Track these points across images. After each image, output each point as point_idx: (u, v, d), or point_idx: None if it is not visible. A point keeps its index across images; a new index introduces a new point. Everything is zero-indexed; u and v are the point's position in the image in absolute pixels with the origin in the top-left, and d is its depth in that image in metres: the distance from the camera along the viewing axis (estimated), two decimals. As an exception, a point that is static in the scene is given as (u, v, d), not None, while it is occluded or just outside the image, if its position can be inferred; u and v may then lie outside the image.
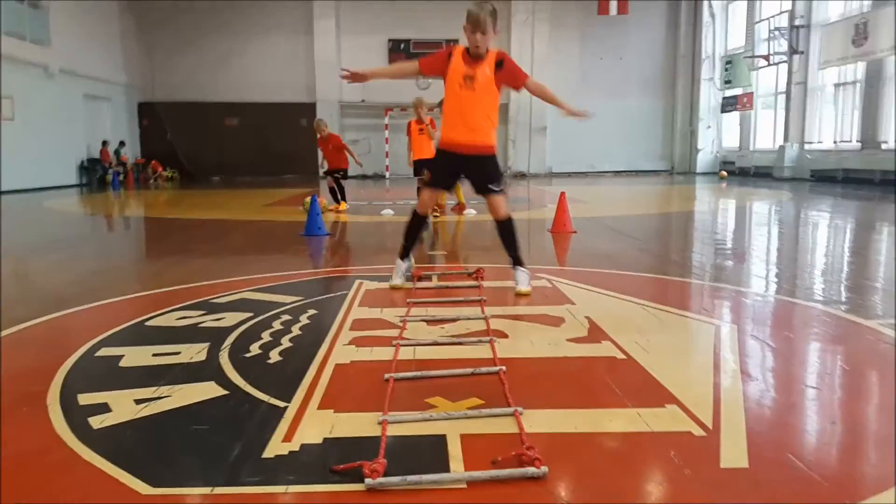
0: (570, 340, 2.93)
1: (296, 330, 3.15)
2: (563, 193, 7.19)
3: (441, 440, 1.92)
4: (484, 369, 2.49)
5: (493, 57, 3.74)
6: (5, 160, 16.01)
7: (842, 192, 14.15)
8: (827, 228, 8.09)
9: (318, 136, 10.09)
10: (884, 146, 15.70)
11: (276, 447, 1.90)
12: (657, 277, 4.50)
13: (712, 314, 3.49)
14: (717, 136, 24.59)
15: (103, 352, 2.84)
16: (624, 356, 2.69)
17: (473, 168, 3.87)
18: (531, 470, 1.69)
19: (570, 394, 2.31)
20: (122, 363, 2.69)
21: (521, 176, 24.72)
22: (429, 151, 8.23)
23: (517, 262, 3.92)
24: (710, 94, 24.23)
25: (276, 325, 3.23)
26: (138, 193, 17.08)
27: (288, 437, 1.96)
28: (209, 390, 2.36)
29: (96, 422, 2.09)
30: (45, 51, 17.88)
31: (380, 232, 7.75)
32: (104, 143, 20.85)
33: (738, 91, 22.14)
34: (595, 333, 3.03)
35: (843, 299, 3.85)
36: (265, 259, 5.62)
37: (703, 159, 24.83)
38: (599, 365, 2.61)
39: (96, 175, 20.36)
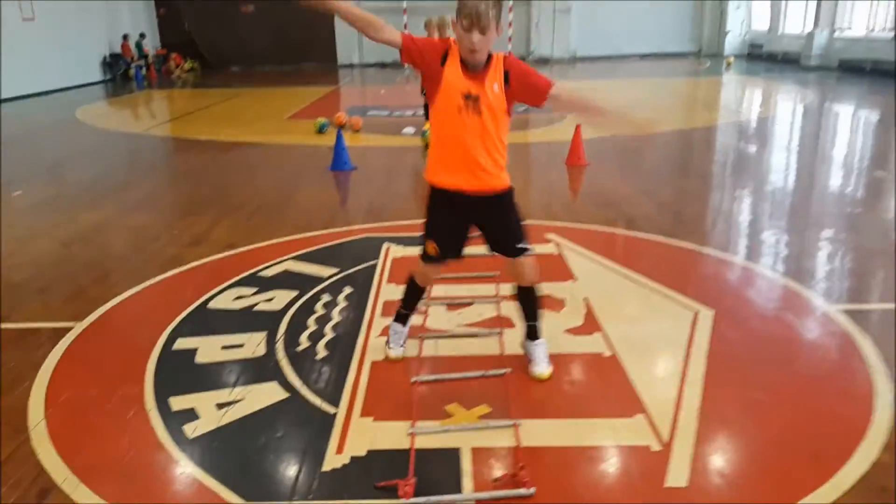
0: (567, 332, 3.46)
1: (335, 315, 3.71)
2: (578, 126, 7.48)
3: (456, 454, 2.51)
4: (492, 372, 3.06)
5: (498, 65, 2.70)
6: (30, 62, 16.27)
7: (868, 89, 14.05)
8: (842, 168, 8.31)
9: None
10: (916, 36, 15.30)
11: (331, 460, 2.50)
12: (660, 241, 4.86)
13: (697, 295, 3.88)
14: (747, 17, 23.78)
15: (179, 344, 3.44)
16: (609, 353, 3.23)
17: (487, 215, 2.89)
18: (522, 491, 2.28)
19: (560, 402, 2.86)
20: (198, 359, 3.29)
21: (544, 62, 24.32)
22: None
23: (535, 333, 3.12)
24: (741, -28, 23.21)
25: (319, 309, 3.79)
26: (162, 93, 17.34)
27: (339, 450, 2.56)
28: (274, 392, 2.95)
29: (190, 430, 2.70)
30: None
31: (401, 165, 8.03)
32: (125, 38, 20.85)
33: (771, -30, 21.20)
34: (589, 323, 3.55)
35: (845, 294, 3.99)
36: (299, 208, 6.09)
37: (732, 42, 24.19)
38: (589, 365, 3.15)
39: (119, 70, 20.53)
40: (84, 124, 12.12)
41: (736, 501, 2.25)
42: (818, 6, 18.63)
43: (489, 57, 2.70)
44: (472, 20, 2.54)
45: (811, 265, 4.50)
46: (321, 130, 9.66)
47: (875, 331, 3.44)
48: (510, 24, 23.66)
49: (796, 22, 20.69)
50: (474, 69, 2.68)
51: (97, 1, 19.73)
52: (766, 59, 21.87)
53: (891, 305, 3.80)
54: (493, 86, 2.69)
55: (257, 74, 22.00)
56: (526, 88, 2.74)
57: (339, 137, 7.54)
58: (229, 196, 6.53)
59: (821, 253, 4.76)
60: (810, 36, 18.72)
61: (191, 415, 2.82)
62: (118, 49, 20.73)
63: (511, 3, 23.78)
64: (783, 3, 21.39)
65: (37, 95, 16.21)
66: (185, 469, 2.48)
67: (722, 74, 18.76)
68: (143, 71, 20.79)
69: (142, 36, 21.92)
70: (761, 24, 23.27)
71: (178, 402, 2.91)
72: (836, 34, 18.23)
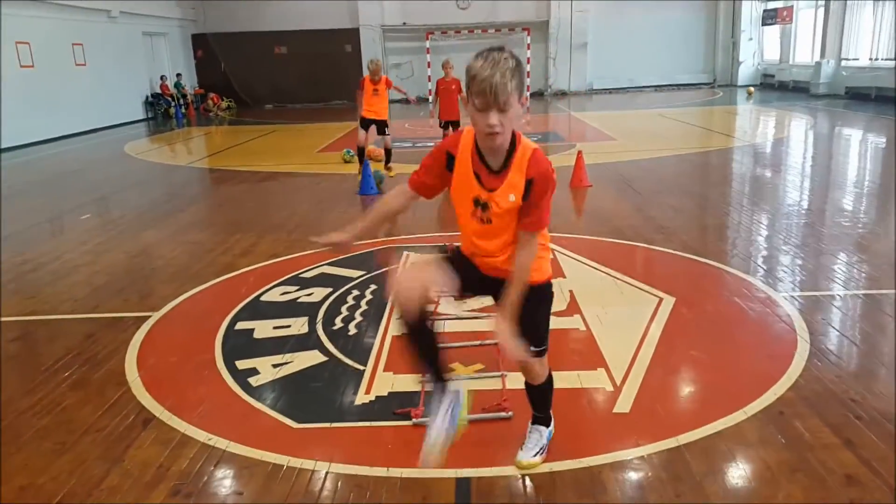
0: (552, 314, 4.22)
1: (363, 305, 4.53)
2: (580, 153, 8.29)
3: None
4: (488, 341, 3.83)
5: (521, 165, 2.15)
6: (82, 103, 17.61)
7: (873, 114, 14.70)
8: (845, 191, 8.98)
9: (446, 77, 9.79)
10: (917, 65, 15.94)
11: (361, 398, 3.29)
12: (642, 247, 5.68)
13: (664, 287, 4.65)
14: (759, 48, 24.57)
15: (240, 325, 4.27)
16: (584, 328, 3.99)
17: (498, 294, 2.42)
18: (503, 414, 3.05)
19: (540, 360, 3.62)
20: (256, 335, 4.11)
21: (562, 94, 25.29)
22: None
23: (536, 419, 2.79)
24: (751, 6, 24.06)
25: (350, 301, 4.61)
26: (201, 130, 18.54)
27: (368, 391, 3.35)
28: (315, 357, 3.77)
29: (253, 381, 3.52)
30: (106, -3, 19.08)
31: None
32: (163, 78, 22.24)
33: (779, 4, 22.02)
34: (571, 307, 4.32)
35: (789, 284, 4.96)
36: (331, 225, 6.96)
37: (745, 72, 24.96)
38: (566, 336, 3.92)
39: (160, 109, 21.88)
40: (133, 158, 13.24)
41: (665, 422, 2.99)
42: (824, 37, 19.36)
43: (514, 143, 2.15)
44: (488, 99, 1.97)
45: (765, 262, 5.21)
46: (346, 156, 10.77)
47: (808, 311, 4.17)
48: (528, 60, 24.71)
49: (805, 52, 21.41)
50: (492, 162, 2.17)
51: (139, 44, 21.18)
52: (777, 87, 22.57)
53: (825, 292, 4.53)
54: (509, 196, 2.17)
55: (289, 112, 23.25)
56: (535, 205, 2.19)
57: (365, 166, 8.45)
58: (270, 217, 7.43)
59: (772, 252, 5.49)
60: (818, 65, 19.43)
61: (253, 371, 3.63)
62: (158, 89, 22.12)
63: (528, 40, 24.89)
64: (792, 34, 22.15)
65: (88, 133, 17.50)
66: (252, 405, 3.29)
67: (736, 104, 19.50)
68: (183, 109, 22.14)
69: (178, 76, 23.31)
70: (772, 54, 24.02)
71: (242, 364, 3.72)
72: (843, 63, 18.90)
